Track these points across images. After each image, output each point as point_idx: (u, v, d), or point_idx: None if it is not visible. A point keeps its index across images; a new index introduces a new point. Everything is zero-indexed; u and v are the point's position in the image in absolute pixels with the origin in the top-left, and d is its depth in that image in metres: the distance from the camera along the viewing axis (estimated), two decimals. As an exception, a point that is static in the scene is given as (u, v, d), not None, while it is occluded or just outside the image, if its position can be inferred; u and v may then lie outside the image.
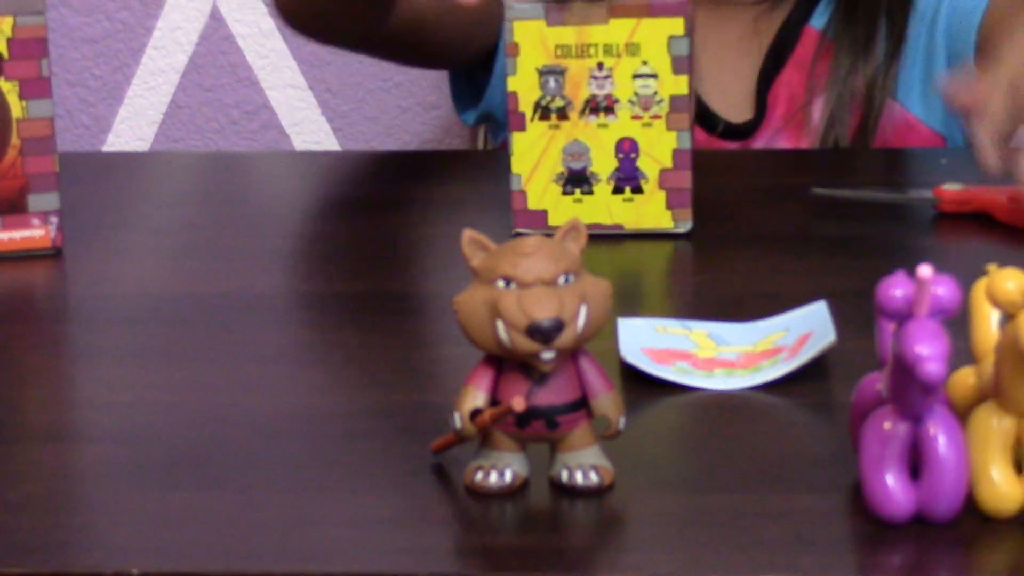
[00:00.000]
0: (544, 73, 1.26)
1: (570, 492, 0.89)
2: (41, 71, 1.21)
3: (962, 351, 0.86)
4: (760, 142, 1.54)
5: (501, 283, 0.86)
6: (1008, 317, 0.85)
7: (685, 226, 1.29)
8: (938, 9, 1.54)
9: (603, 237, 1.24)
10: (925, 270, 0.83)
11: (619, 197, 1.28)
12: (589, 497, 0.89)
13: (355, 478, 0.93)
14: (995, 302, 0.86)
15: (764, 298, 1.14)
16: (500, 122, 1.55)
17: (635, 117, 1.28)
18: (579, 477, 0.89)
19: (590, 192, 1.28)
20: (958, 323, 0.85)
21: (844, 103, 1.51)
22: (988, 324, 0.88)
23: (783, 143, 1.53)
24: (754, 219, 1.33)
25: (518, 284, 0.85)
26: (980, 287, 0.88)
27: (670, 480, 0.92)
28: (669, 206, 1.29)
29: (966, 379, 0.88)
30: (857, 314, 0.96)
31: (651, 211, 1.29)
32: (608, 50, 1.26)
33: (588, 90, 1.27)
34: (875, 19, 1.51)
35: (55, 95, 1.23)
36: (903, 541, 0.84)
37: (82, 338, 1.16)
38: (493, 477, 0.89)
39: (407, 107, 1.83)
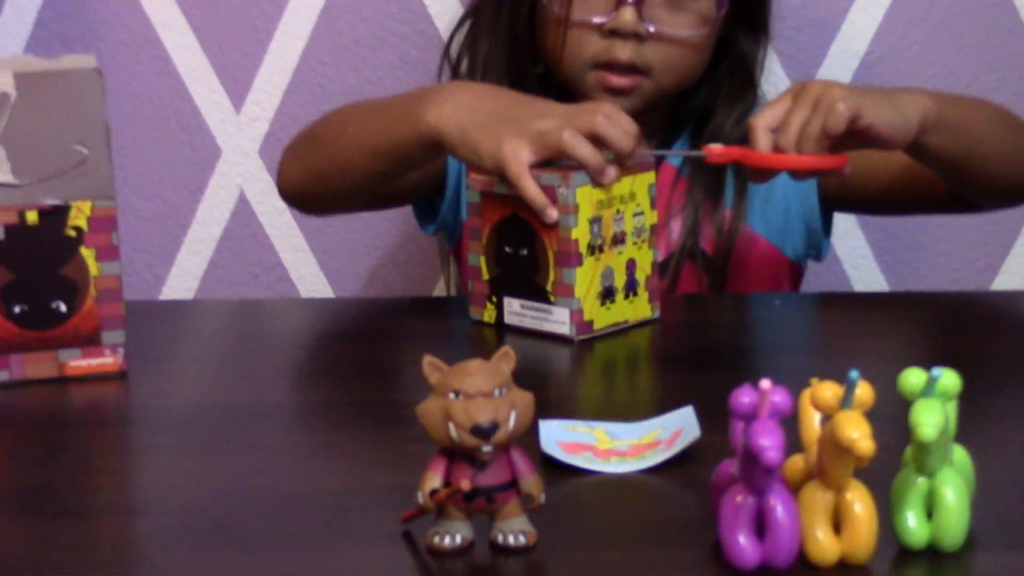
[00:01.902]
0: (592, 222, 1.26)
1: (504, 551, 0.88)
2: (112, 241, 1.21)
3: (793, 442, 0.86)
4: None
5: (452, 395, 0.85)
6: (827, 417, 0.85)
7: (657, 312, 1.32)
8: None
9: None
10: (765, 383, 0.83)
11: (625, 301, 1.30)
12: (519, 555, 0.88)
13: (344, 540, 0.92)
14: (817, 406, 0.85)
15: (646, 404, 1.14)
16: (451, 231, 1.53)
17: (634, 243, 1.30)
18: (511, 539, 0.88)
19: (613, 300, 1.29)
20: (790, 422, 0.85)
21: (698, 215, 1.48)
22: (812, 422, 0.88)
23: None
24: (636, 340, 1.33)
25: (465, 396, 0.85)
26: (806, 394, 0.87)
27: (580, 541, 0.92)
28: (650, 300, 1.32)
29: (797, 463, 0.88)
30: (715, 416, 0.96)
31: (641, 307, 1.31)
32: (621, 199, 1.28)
33: (612, 229, 1.28)
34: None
35: (122, 258, 1.22)
36: (752, 584, 0.83)
37: (140, 438, 1.15)
38: (447, 540, 0.88)
39: (384, 264, 1.82)
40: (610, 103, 1.30)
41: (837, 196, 1.51)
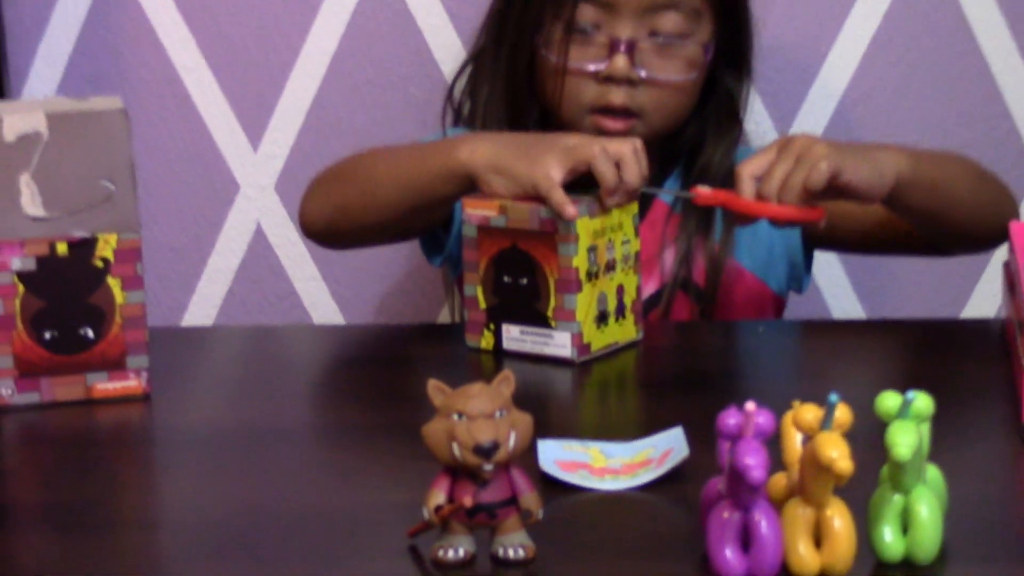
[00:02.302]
0: (590, 251, 1.27)
1: (504, 564, 0.88)
2: (137, 271, 1.21)
3: (777, 461, 0.86)
4: None
5: (455, 416, 0.85)
6: (808, 438, 0.85)
7: (641, 334, 1.33)
8: None
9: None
10: (750, 405, 0.83)
11: (616, 324, 1.30)
12: (519, 567, 0.88)
13: (354, 553, 0.92)
14: (799, 427, 0.85)
15: (638, 424, 1.13)
16: (456, 262, 1.52)
17: (622, 270, 1.30)
18: (511, 553, 0.88)
19: (606, 324, 1.29)
20: (773, 442, 0.85)
21: (691, 250, 1.48)
22: (794, 442, 0.88)
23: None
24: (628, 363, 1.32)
25: (467, 417, 0.85)
26: (789, 416, 0.87)
27: (576, 554, 0.91)
28: (636, 323, 1.32)
29: (780, 481, 0.88)
30: (703, 436, 0.96)
31: (628, 329, 1.32)
32: (612, 228, 1.29)
33: (605, 257, 1.28)
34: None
35: (146, 287, 1.22)
36: (738, 596, 0.83)
37: (162, 457, 1.15)
38: (451, 554, 0.88)
39: (392, 292, 1.82)
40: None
41: (817, 238, 1.51)
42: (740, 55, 1.53)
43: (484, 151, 1.32)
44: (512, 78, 1.50)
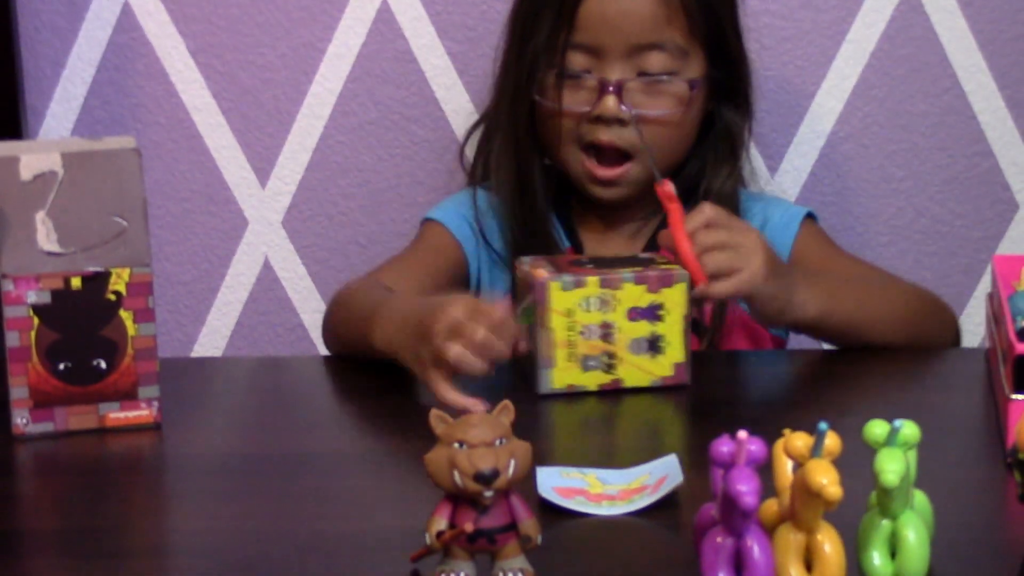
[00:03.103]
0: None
1: (505, 587, 0.87)
2: (148, 304, 1.21)
3: (768, 488, 0.85)
4: None
5: (457, 445, 0.85)
6: (799, 465, 0.84)
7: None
8: (763, 225, 1.51)
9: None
10: (742, 433, 0.83)
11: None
12: (518, 590, 0.87)
13: (358, 579, 0.92)
14: (790, 454, 0.85)
15: (634, 452, 1.13)
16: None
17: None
18: (511, 577, 0.87)
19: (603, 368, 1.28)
20: (765, 469, 0.84)
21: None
22: (785, 469, 0.88)
23: None
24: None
25: (468, 445, 0.85)
26: (780, 444, 0.87)
27: (573, 578, 0.91)
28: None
29: (771, 507, 0.87)
30: (697, 463, 0.95)
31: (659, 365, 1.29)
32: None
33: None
34: None
35: (157, 319, 1.22)
36: (731, 618, 0.82)
37: (173, 484, 1.15)
38: (452, 578, 0.87)
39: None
40: (465, 299, 1.23)
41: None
42: (737, 90, 1.54)
43: (390, 340, 1.27)
44: (515, 129, 1.51)
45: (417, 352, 1.23)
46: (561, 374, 1.27)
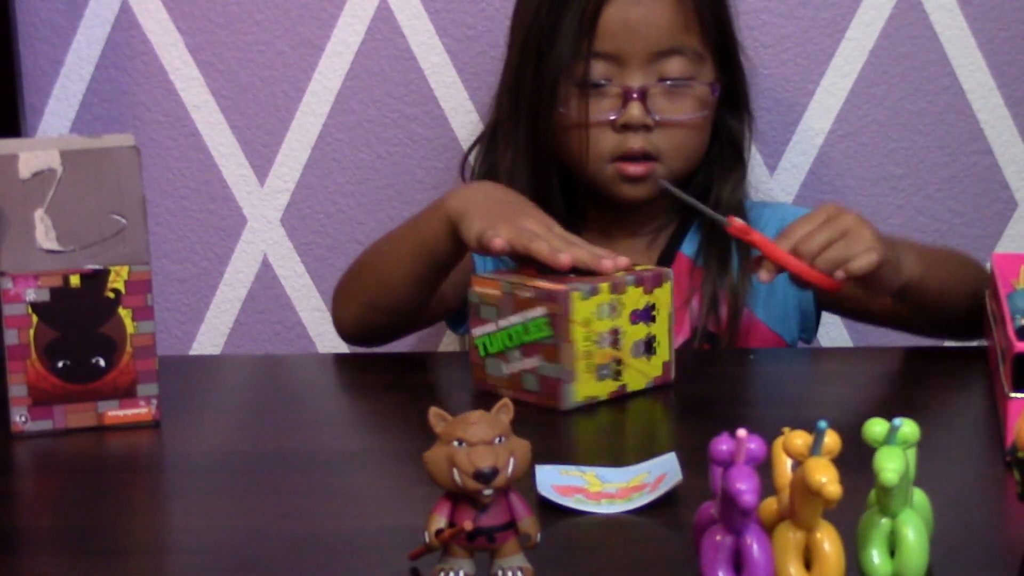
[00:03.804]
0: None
1: (504, 586, 0.87)
2: (147, 302, 1.21)
3: (767, 486, 0.85)
4: None
5: (456, 443, 0.85)
6: (797, 463, 0.84)
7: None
8: (781, 227, 1.51)
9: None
10: (742, 432, 0.83)
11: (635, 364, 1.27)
12: (517, 589, 0.87)
13: (357, 577, 0.92)
14: (789, 453, 0.85)
15: (633, 450, 1.13)
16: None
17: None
18: (510, 575, 0.87)
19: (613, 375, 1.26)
20: (764, 467, 0.84)
21: (716, 300, 1.50)
22: (785, 467, 0.88)
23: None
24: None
25: (467, 444, 0.85)
26: (779, 442, 0.87)
27: (573, 575, 0.91)
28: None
29: (771, 505, 0.87)
30: (696, 462, 0.95)
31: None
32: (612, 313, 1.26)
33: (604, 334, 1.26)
34: (727, 247, 1.50)
35: (156, 317, 1.22)
36: (731, 617, 0.82)
37: (171, 482, 1.15)
38: (451, 576, 0.87)
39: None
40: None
41: (827, 302, 1.55)
42: (737, 96, 1.56)
43: (465, 197, 1.34)
44: (534, 143, 1.51)
45: (500, 212, 1.29)
46: (582, 387, 1.24)
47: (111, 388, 1.21)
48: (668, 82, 1.48)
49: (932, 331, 1.50)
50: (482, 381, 1.26)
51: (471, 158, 1.61)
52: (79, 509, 1.06)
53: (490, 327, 1.25)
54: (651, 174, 1.48)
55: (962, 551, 0.94)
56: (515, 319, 1.24)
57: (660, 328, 1.27)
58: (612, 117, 1.47)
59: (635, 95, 1.46)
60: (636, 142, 1.47)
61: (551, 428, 1.23)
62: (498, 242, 1.25)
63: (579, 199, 1.53)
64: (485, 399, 0.87)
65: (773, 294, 1.52)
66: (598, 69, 1.47)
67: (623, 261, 1.27)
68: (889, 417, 0.87)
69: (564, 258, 1.24)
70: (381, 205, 1.78)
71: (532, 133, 1.51)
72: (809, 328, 1.57)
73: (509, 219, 1.29)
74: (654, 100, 1.47)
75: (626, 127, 1.47)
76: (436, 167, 1.75)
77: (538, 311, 1.23)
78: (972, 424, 1.21)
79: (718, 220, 1.31)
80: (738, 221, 1.29)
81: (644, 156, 1.48)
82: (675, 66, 1.48)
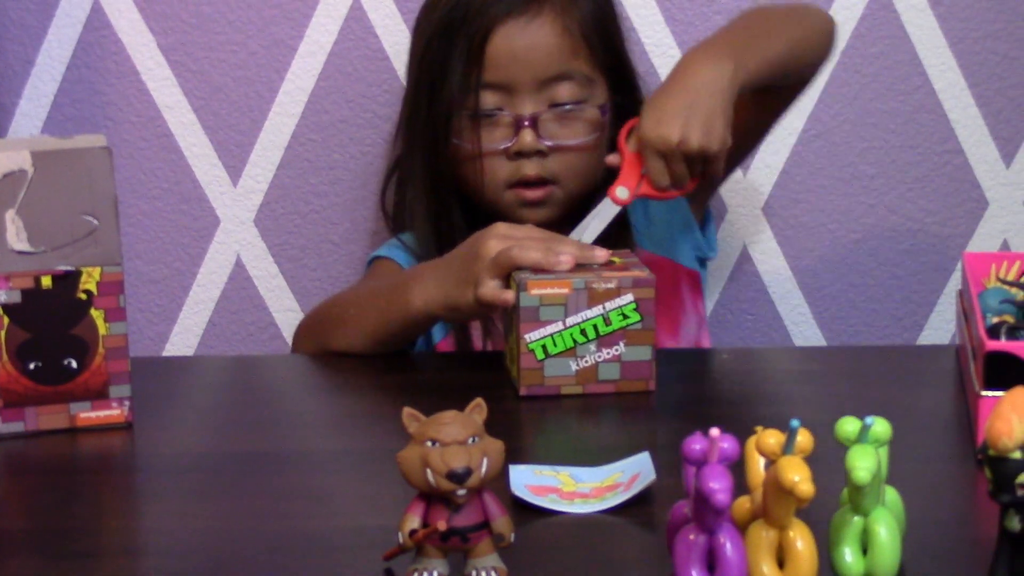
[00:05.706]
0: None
1: (478, 586, 0.87)
2: (119, 303, 1.20)
3: (740, 485, 0.86)
4: None
5: (429, 443, 0.85)
6: (771, 462, 0.84)
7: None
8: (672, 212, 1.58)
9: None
10: (715, 431, 0.83)
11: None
12: (491, 589, 0.87)
13: (331, 578, 0.92)
14: (762, 452, 0.85)
15: (606, 450, 1.13)
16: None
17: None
18: (484, 575, 0.87)
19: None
20: (737, 466, 0.84)
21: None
22: (757, 466, 0.88)
23: None
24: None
25: (440, 444, 0.85)
26: (752, 441, 0.87)
27: (547, 575, 0.91)
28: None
29: (744, 504, 0.88)
30: (669, 461, 0.95)
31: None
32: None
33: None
34: (618, 222, 1.50)
35: (129, 318, 1.22)
36: (704, 616, 0.82)
37: (144, 484, 1.14)
38: (425, 576, 0.87)
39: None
40: (505, 224, 1.33)
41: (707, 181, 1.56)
42: (633, 110, 1.55)
43: (433, 293, 1.34)
44: (432, 175, 1.52)
45: (465, 276, 1.30)
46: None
47: (83, 390, 1.20)
48: (559, 107, 1.49)
49: (807, 80, 1.54)
50: (536, 385, 1.26)
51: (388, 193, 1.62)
52: (52, 511, 1.05)
53: (554, 327, 1.25)
54: (549, 197, 1.50)
55: (934, 548, 0.95)
56: (590, 313, 1.25)
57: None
58: (505, 146, 1.48)
59: (526, 123, 1.47)
60: (531, 168, 1.49)
61: (532, 428, 1.23)
62: (489, 293, 1.28)
63: (483, 226, 1.53)
64: (485, 399, 0.87)
65: (651, 223, 1.56)
66: (488, 99, 1.48)
67: (605, 251, 1.31)
68: (861, 416, 0.87)
69: (565, 259, 1.27)
70: (354, 205, 1.78)
71: (430, 165, 1.52)
72: (700, 246, 1.59)
73: (473, 263, 1.30)
74: (545, 126, 1.48)
75: (520, 154, 1.48)
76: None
77: (624, 299, 1.24)
78: (944, 422, 1.21)
79: (614, 213, 1.39)
80: (621, 195, 1.38)
81: (540, 181, 1.49)
82: (565, 91, 1.49)
